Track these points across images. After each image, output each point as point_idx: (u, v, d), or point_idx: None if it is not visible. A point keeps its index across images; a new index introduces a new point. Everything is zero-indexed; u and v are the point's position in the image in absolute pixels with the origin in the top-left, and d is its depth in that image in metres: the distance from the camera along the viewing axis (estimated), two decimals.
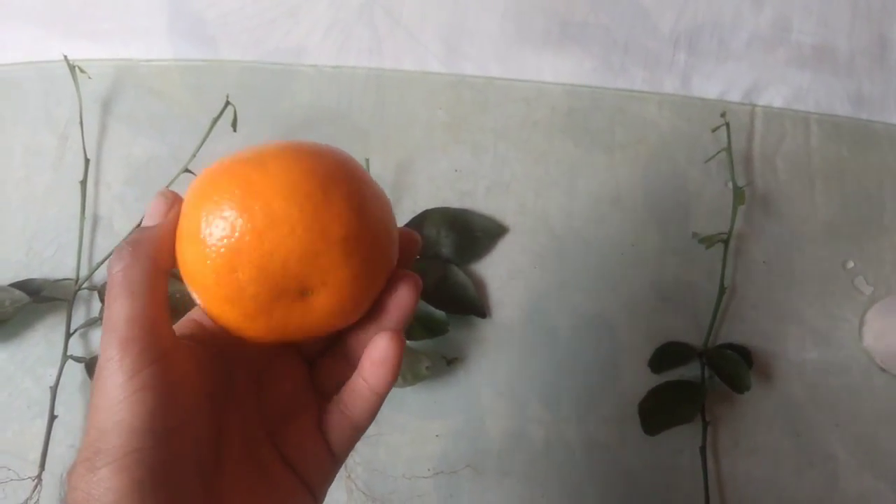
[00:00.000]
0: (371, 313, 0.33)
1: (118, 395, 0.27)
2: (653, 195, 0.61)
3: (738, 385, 0.55)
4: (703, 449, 0.56)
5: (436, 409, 0.57)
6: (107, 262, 0.31)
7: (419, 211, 0.60)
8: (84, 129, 0.60)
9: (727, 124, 0.60)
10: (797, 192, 0.61)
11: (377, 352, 0.32)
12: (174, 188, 0.56)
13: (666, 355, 0.58)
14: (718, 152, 0.60)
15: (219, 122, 0.57)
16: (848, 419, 0.57)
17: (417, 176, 0.61)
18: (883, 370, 0.58)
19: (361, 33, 0.64)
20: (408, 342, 0.56)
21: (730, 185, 0.60)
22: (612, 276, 0.60)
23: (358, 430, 0.34)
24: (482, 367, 0.58)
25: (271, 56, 0.64)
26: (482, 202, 0.61)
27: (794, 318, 0.59)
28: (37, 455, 0.53)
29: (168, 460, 0.28)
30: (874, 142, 0.62)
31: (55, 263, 0.59)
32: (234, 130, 0.56)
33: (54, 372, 0.55)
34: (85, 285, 0.58)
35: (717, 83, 0.63)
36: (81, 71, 0.60)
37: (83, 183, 0.59)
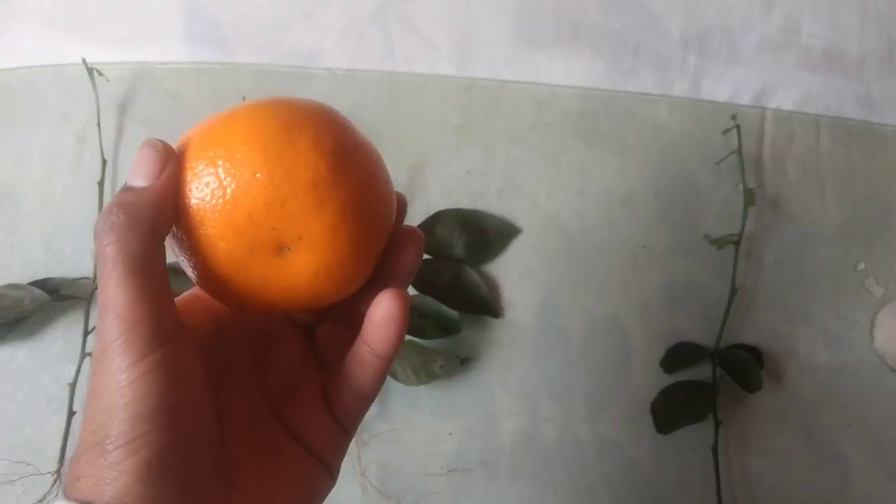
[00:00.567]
0: (372, 276, 0.31)
1: (125, 378, 0.26)
2: (664, 197, 0.62)
3: (749, 385, 0.55)
4: (714, 448, 0.56)
5: (449, 407, 0.57)
6: (95, 223, 0.27)
7: (432, 212, 0.60)
8: (101, 131, 0.61)
9: (737, 127, 0.60)
10: (807, 194, 0.62)
11: (379, 312, 0.30)
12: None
13: (678, 355, 0.58)
14: (729, 155, 0.61)
15: None
16: (859, 420, 0.57)
17: (430, 178, 0.62)
18: (894, 371, 0.58)
19: (374, 37, 0.64)
20: (421, 341, 0.56)
21: (740, 187, 0.60)
22: (623, 276, 0.60)
23: (365, 400, 0.33)
24: (495, 367, 0.58)
25: (285, 59, 0.64)
26: (494, 203, 0.61)
27: (805, 320, 0.59)
28: (55, 451, 0.54)
29: (179, 441, 0.27)
30: (884, 144, 0.63)
31: (73, 262, 0.60)
32: None
33: (73, 369, 0.56)
34: None
35: (727, 86, 0.64)
36: (99, 74, 0.61)
37: (100, 184, 0.60)
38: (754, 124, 0.63)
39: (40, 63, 0.65)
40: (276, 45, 0.65)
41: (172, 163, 0.28)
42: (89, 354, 0.56)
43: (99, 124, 0.61)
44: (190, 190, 0.27)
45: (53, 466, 0.53)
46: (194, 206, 0.27)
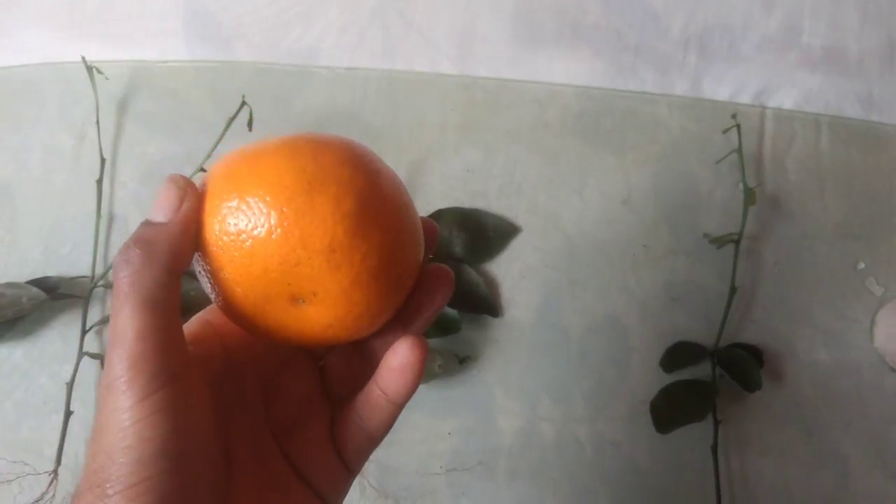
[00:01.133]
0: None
1: (127, 418, 0.25)
2: (664, 196, 0.61)
3: (749, 384, 0.55)
4: (714, 448, 0.56)
5: (448, 407, 0.57)
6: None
7: (432, 211, 0.60)
8: (100, 129, 0.61)
9: (738, 126, 0.60)
10: (808, 193, 0.62)
11: (397, 358, 0.30)
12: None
13: (677, 355, 0.58)
14: (729, 154, 0.61)
15: (233, 123, 0.57)
16: (859, 419, 0.57)
17: (430, 176, 0.62)
18: (894, 370, 0.58)
19: (374, 35, 0.64)
20: None
21: (740, 186, 0.60)
22: (623, 275, 0.60)
23: (373, 442, 0.32)
24: (494, 366, 0.58)
25: (285, 57, 0.64)
26: (494, 202, 0.61)
27: (804, 319, 0.59)
28: (53, 450, 0.53)
29: (181, 485, 0.26)
30: (884, 143, 0.63)
31: (71, 261, 0.60)
32: (250, 130, 0.57)
33: (70, 368, 0.56)
34: (100, 283, 0.58)
35: (727, 85, 0.64)
36: (98, 72, 0.61)
37: (99, 182, 0.60)
38: (754, 123, 0.63)
39: (39, 61, 0.65)
40: (276, 44, 0.65)
41: (191, 199, 0.28)
42: (87, 353, 0.56)
43: (98, 122, 0.61)
44: (212, 228, 0.27)
45: (50, 466, 0.53)
46: (214, 249, 0.27)
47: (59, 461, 0.53)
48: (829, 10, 0.64)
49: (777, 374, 0.58)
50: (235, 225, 0.27)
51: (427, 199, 0.61)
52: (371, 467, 0.56)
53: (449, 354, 0.57)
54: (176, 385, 0.26)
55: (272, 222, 0.26)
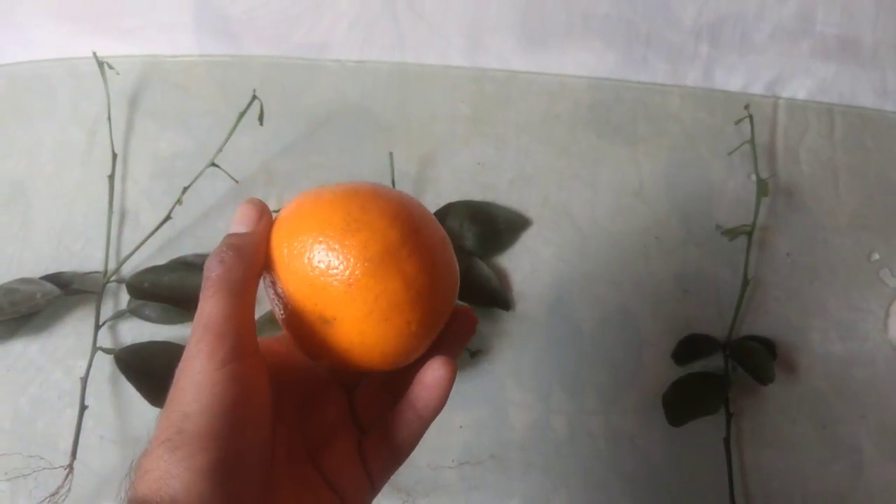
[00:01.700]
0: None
1: (206, 381, 0.29)
2: (676, 187, 0.61)
3: (762, 376, 0.55)
4: (727, 440, 0.55)
5: (460, 400, 0.57)
6: (205, 262, 0.32)
7: (442, 204, 0.60)
8: (112, 125, 0.61)
9: (750, 116, 0.60)
10: (821, 184, 0.61)
11: (430, 374, 0.33)
12: (201, 182, 0.57)
13: (690, 347, 0.58)
14: (741, 144, 0.60)
15: (244, 117, 0.57)
16: (873, 411, 0.57)
17: (440, 169, 0.62)
18: None
19: (384, 28, 0.64)
20: None
21: (753, 177, 0.60)
22: (635, 268, 0.60)
23: (399, 458, 0.35)
24: (506, 359, 0.58)
25: (295, 51, 0.64)
26: (505, 195, 0.61)
27: (818, 311, 0.59)
28: (67, 445, 0.54)
29: (241, 449, 0.29)
30: None
31: (84, 257, 0.60)
32: (261, 125, 0.57)
33: (84, 363, 0.56)
34: (113, 278, 0.59)
35: (739, 75, 0.63)
36: (109, 67, 0.61)
37: (111, 178, 0.60)
38: (767, 114, 0.62)
39: (51, 57, 0.65)
40: (286, 38, 0.65)
41: (267, 216, 0.34)
42: (100, 349, 0.56)
43: (109, 118, 0.61)
44: (280, 250, 0.33)
45: (65, 460, 0.53)
46: (279, 267, 0.33)
47: (74, 455, 0.53)
48: None
49: (790, 366, 0.58)
50: (287, 248, 0.32)
51: (437, 192, 0.61)
52: None
53: None
54: (247, 361, 0.30)
55: (314, 251, 0.31)
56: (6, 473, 0.53)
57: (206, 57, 0.64)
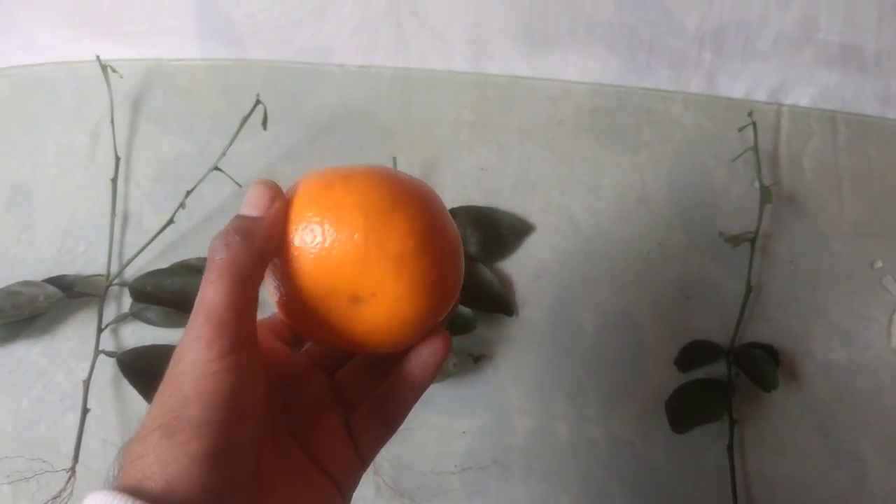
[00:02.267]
0: None
1: (206, 370, 0.28)
2: (679, 194, 0.61)
3: (765, 384, 0.55)
4: (730, 447, 0.55)
5: (463, 406, 0.57)
6: (211, 241, 0.31)
7: None
8: (115, 128, 0.61)
9: (754, 123, 0.60)
10: (824, 191, 0.61)
11: (427, 345, 0.34)
12: (203, 186, 0.57)
13: (692, 354, 0.58)
14: (745, 151, 0.60)
15: (247, 121, 0.57)
16: (876, 419, 0.57)
17: (443, 175, 0.62)
18: None
19: (388, 33, 0.64)
20: None
21: (756, 184, 0.60)
22: (638, 274, 0.60)
23: (389, 430, 0.36)
24: (509, 365, 0.58)
25: (298, 55, 0.64)
26: (508, 200, 0.61)
27: (821, 318, 0.59)
28: (70, 448, 0.54)
29: (237, 437, 0.29)
30: None
31: (87, 260, 0.60)
32: (265, 129, 0.57)
33: (86, 366, 0.56)
34: (116, 281, 0.59)
35: (743, 82, 0.63)
36: (113, 70, 0.61)
37: (114, 181, 0.60)
38: (770, 121, 0.62)
39: (54, 60, 0.65)
40: (289, 42, 0.65)
41: (280, 200, 0.32)
42: (103, 352, 0.56)
43: (112, 121, 0.61)
44: (297, 229, 0.32)
45: (68, 464, 0.53)
46: (297, 244, 0.32)
47: (76, 458, 0.53)
48: (846, 6, 0.64)
49: (793, 373, 0.58)
50: (321, 224, 0.31)
51: (440, 198, 0.61)
52: (386, 466, 0.56)
53: (463, 353, 0.57)
54: (246, 351, 0.30)
55: (357, 226, 0.31)
56: (8, 476, 0.54)
57: (209, 61, 0.64)
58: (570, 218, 0.61)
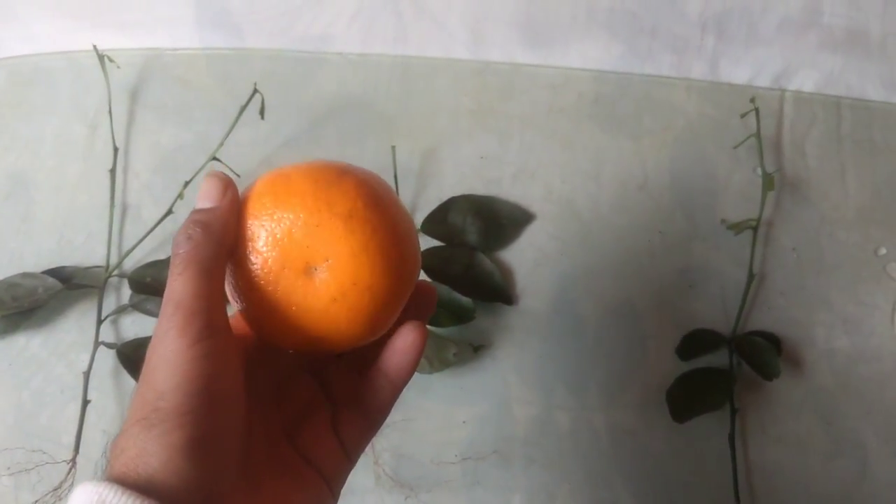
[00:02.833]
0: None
1: (179, 359, 0.29)
2: (681, 181, 0.61)
3: (767, 372, 0.54)
4: (731, 436, 0.55)
5: (462, 395, 0.57)
6: (173, 238, 0.32)
7: (445, 198, 0.60)
8: (113, 119, 0.61)
9: (756, 110, 0.59)
10: (828, 177, 0.61)
11: (401, 339, 0.34)
12: (202, 176, 0.56)
13: (694, 342, 0.57)
14: (747, 138, 0.60)
15: (245, 111, 0.57)
16: (879, 407, 0.57)
17: (443, 163, 0.61)
18: None
19: (387, 20, 0.64)
20: (435, 329, 0.56)
21: (759, 171, 0.59)
22: (639, 262, 0.59)
23: (372, 425, 0.36)
24: (509, 354, 0.58)
25: (297, 44, 0.64)
26: (508, 189, 0.61)
27: (824, 306, 0.58)
28: (70, 439, 0.54)
29: (217, 426, 0.29)
30: None
31: (86, 251, 0.60)
32: (262, 118, 0.56)
33: (86, 357, 0.56)
34: (115, 272, 0.59)
35: (745, 68, 0.63)
36: (110, 60, 0.61)
37: (112, 171, 0.60)
38: (773, 106, 0.62)
39: (51, 50, 0.65)
40: (287, 30, 0.64)
41: (232, 189, 0.33)
42: (103, 343, 0.56)
43: (110, 112, 0.61)
44: (248, 212, 0.32)
45: (68, 455, 0.53)
46: (250, 224, 0.32)
47: (76, 450, 0.53)
48: None
49: (795, 361, 0.57)
50: (272, 200, 0.32)
51: (440, 187, 0.61)
52: (386, 456, 0.56)
53: (463, 343, 0.57)
54: (218, 338, 0.30)
55: (305, 191, 0.32)
56: (9, 468, 0.54)
57: (207, 50, 0.64)
58: (570, 206, 0.60)
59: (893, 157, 0.61)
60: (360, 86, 0.63)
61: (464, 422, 0.57)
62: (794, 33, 0.63)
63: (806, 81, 0.62)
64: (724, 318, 0.58)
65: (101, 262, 0.59)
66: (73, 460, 0.53)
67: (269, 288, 0.32)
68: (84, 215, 0.61)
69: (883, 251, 0.59)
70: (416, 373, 0.52)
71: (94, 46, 0.61)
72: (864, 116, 0.62)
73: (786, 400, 0.57)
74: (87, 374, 0.55)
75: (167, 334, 0.29)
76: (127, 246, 0.59)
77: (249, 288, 0.33)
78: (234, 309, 0.34)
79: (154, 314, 0.57)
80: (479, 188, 0.61)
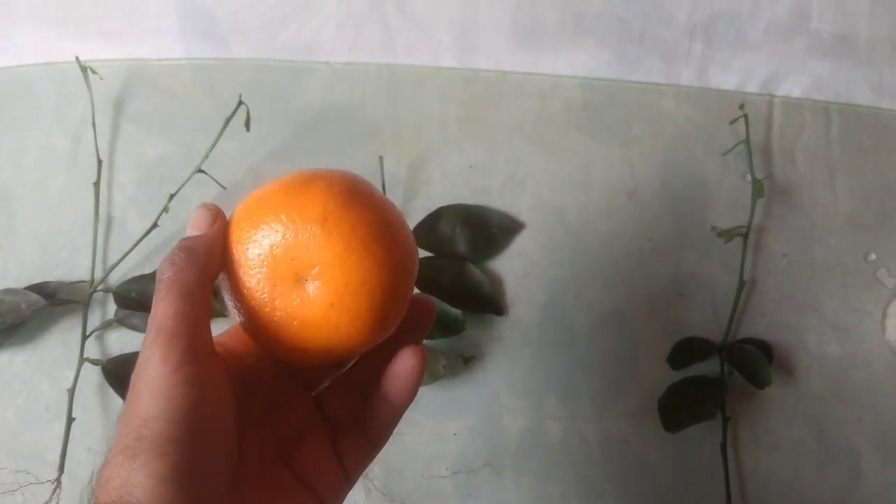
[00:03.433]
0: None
1: (162, 385, 0.28)
2: (670, 189, 0.60)
3: (758, 380, 0.54)
4: (723, 445, 0.55)
5: (453, 407, 0.57)
6: (158, 266, 0.32)
7: (434, 208, 0.59)
8: (96, 131, 0.60)
9: (745, 116, 0.59)
10: (817, 183, 0.60)
11: (400, 364, 0.34)
12: (188, 189, 0.56)
13: (685, 351, 0.57)
14: (736, 144, 0.59)
15: (231, 122, 0.56)
16: (871, 413, 0.56)
17: (431, 172, 0.61)
18: None
19: (373, 29, 0.63)
20: (424, 341, 0.56)
21: (748, 177, 0.59)
22: (629, 270, 0.59)
23: (374, 448, 0.36)
24: (499, 365, 0.57)
25: (283, 53, 0.63)
26: (497, 198, 0.60)
27: (815, 312, 0.58)
28: (55, 457, 0.53)
29: (203, 453, 0.29)
30: None
31: (70, 266, 0.59)
32: (248, 130, 0.56)
33: (71, 374, 0.55)
34: (100, 287, 0.58)
35: (734, 74, 0.62)
36: (93, 72, 0.60)
37: (96, 184, 0.59)
38: (762, 112, 0.62)
39: (33, 61, 0.64)
40: (272, 40, 0.63)
41: (221, 218, 0.34)
42: (87, 359, 0.55)
43: (94, 124, 0.60)
44: (233, 240, 0.33)
45: (53, 474, 0.52)
46: (236, 251, 0.33)
47: (61, 469, 0.53)
48: None
49: (787, 368, 0.57)
50: (253, 225, 0.32)
51: (429, 196, 0.60)
52: (376, 470, 0.55)
53: (453, 355, 0.56)
54: (202, 362, 0.30)
55: (277, 207, 0.32)
56: None
57: (192, 60, 0.63)
58: (560, 215, 0.60)
59: (882, 162, 0.61)
60: (346, 95, 0.62)
61: (455, 434, 0.56)
62: (783, 39, 0.63)
63: (794, 87, 0.62)
64: (715, 326, 0.58)
65: (86, 277, 0.58)
66: (59, 479, 0.52)
67: (267, 309, 0.32)
68: (68, 229, 0.60)
69: (873, 256, 0.59)
70: None
71: (77, 58, 0.60)
72: (853, 121, 0.61)
73: (778, 407, 0.56)
74: (71, 392, 0.55)
75: (150, 360, 0.29)
76: (112, 260, 0.59)
77: (252, 315, 0.33)
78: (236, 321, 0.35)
79: (140, 329, 0.56)
80: (467, 197, 0.60)
